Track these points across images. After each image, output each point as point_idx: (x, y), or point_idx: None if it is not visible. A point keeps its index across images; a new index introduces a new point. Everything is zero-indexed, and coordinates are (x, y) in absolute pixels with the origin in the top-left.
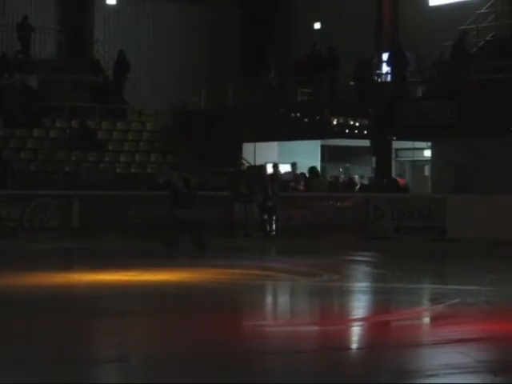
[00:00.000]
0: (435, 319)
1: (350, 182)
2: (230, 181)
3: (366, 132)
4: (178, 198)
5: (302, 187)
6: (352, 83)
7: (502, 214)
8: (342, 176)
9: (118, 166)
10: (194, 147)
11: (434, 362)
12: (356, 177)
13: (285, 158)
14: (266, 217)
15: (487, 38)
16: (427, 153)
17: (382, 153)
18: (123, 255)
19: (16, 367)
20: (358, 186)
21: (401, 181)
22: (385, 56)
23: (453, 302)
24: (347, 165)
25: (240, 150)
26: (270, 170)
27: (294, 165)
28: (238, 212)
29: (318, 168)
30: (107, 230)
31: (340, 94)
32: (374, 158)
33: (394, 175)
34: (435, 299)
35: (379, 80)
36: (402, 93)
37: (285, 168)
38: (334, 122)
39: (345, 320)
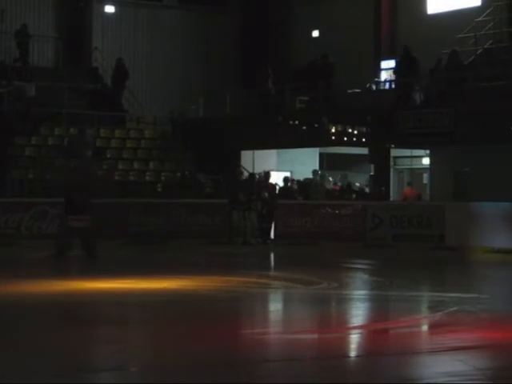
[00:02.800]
0: (434, 327)
1: (348, 190)
2: (229, 188)
3: (364, 140)
4: (72, 205)
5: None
6: (350, 91)
7: (500, 221)
8: (339, 184)
9: (117, 174)
10: (192, 155)
11: (433, 370)
12: (357, 184)
13: (283, 166)
14: (264, 224)
15: (485, 46)
16: (426, 160)
17: (380, 161)
18: (122, 263)
19: (14, 375)
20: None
21: (409, 191)
22: (390, 63)
23: (451, 309)
24: (345, 173)
25: (238, 158)
26: (273, 177)
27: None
28: (236, 219)
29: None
30: (106, 237)
31: (338, 101)
32: (372, 166)
33: (398, 183)
34: (434, 307)
35: (375, 87)
36: (406, 100)
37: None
38: (333, 130)
39: (344, 327)
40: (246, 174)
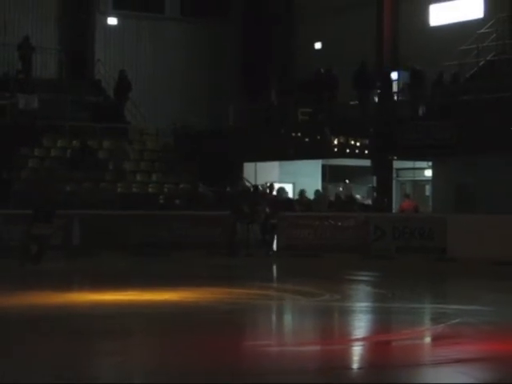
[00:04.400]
0: (436, 339)
1: (351, 201)
2: (233, 200)
3: (366, 152)
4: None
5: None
6: (352, 102)
7: (502, 233)
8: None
9: (119, 186)
10: (194, 167)
11: (435, 382)
12: (358, 196)
13: (286, 178)
14: (267, 236)
15: (488, 58)
16: (428, 172)
17: (382, 172)
18: (124, 274)
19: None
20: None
21: (406, 204)
22: (392, 75)
23: (453, 321)
24: (346, 181)
25: (241, 170)
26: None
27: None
28: (240, 231)
29: (320, 188)
30: (108, 249)
31: (340, 113)
32: (374, 178)
33: (401, 195)
34: (436, 319)
35: (377, 99)
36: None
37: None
38: (335, 142)
39: (346, 340)
40: (248, 185)
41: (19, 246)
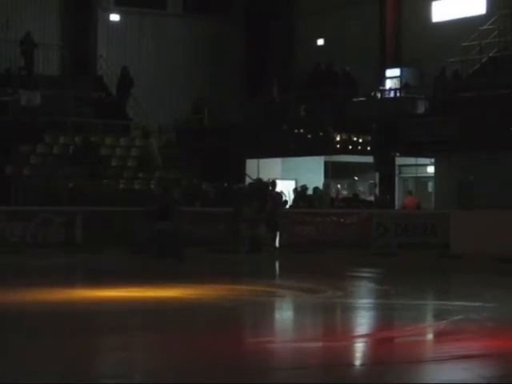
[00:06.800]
0: (439, 335)
1: (354, 198)
2: (241, 197)
3: (369, 148)
4: (158, 210)
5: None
6: (354, 99)
7: (505, 229)
8: (344, 192)
9: (121, 182)
10: (196, 163)
11: (438, 378)
12: (360, 189)
13: (288, 175)
14: (273, 233)
15: (490, 54)
16: (430, 169)
17: (385, 169)
18: (126, 271)
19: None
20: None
21: (409, 201)
22: (395, 71)
23: (456, 318)
24: (356, 178)
25: (243, 166)
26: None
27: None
28: (246, 228)
29: (321, 186)
30: (111, 245)
31: (343, 109)
32: (376, 174)
33: (403, 191)
34: (438, 315)
35: (380, 96)
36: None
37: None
38: (338, 139)
39: (348, 336)
40: (250, 180)
41: (144, 244)
